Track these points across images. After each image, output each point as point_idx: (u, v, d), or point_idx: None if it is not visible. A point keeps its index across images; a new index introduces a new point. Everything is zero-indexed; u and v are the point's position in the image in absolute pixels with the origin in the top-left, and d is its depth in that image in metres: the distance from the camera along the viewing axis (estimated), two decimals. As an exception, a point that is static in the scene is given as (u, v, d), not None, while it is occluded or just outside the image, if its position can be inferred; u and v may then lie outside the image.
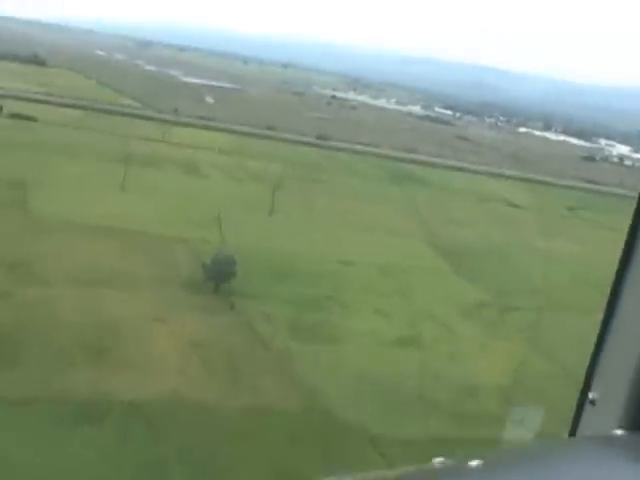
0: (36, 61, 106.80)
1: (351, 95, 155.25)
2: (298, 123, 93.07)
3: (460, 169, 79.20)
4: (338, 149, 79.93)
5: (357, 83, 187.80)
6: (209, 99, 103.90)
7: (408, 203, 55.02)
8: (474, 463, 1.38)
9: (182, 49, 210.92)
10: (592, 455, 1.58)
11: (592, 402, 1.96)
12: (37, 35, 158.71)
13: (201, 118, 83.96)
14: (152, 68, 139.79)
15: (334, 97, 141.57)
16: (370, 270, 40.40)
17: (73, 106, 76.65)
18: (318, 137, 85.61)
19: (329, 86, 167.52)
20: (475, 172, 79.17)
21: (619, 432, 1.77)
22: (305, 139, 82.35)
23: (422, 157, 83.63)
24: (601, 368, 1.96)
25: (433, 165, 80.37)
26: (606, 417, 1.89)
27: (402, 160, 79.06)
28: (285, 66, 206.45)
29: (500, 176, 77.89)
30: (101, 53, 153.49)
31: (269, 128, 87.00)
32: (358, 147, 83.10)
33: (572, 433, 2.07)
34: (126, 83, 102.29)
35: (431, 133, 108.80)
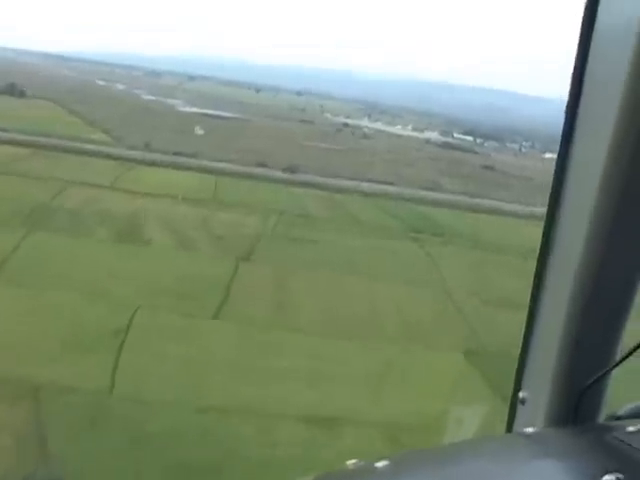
0: (12, 92, 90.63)
1: (365, 122, 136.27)
2: (298, 157, 75.44)
3: (493, 211, 61.24)
4: (342, 190, 62.51)
5: (372, 109, 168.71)
6: (199, 131, 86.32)
7: (433, 277, 35.08)
8: (380, 464, 1.32)
9: (192, 78, 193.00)
10: (505, 453, 1.44)
11: (522, 401, 1.91)
12: (34, 65, 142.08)
13: (177, 154, 66.87)
14: (151, 97, 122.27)
15: (346, 125, 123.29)
16: None
17: (21, 143, 60.03)
18: (320, 174, 68.15)
19: (342, 113, 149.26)
20: (511, 214, 61.14)
21: (530, 429, 1.62)
22: (302, 177, 64.87)
23: (445, 196, 65.42)
24: (529, 367, 1.91)
25: (459, 206, 62.36)
26: (536, 416, 1.80)
27: (422, 201, 60.95)
28: (299, 93, 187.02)
29: (541, 218, 59.19)
30: (101, 83, 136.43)
31: (260, 165, 69.61)
32: (367, 186, 65.01)
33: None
34: (108, 114, 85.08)
35: (453, 163, 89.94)
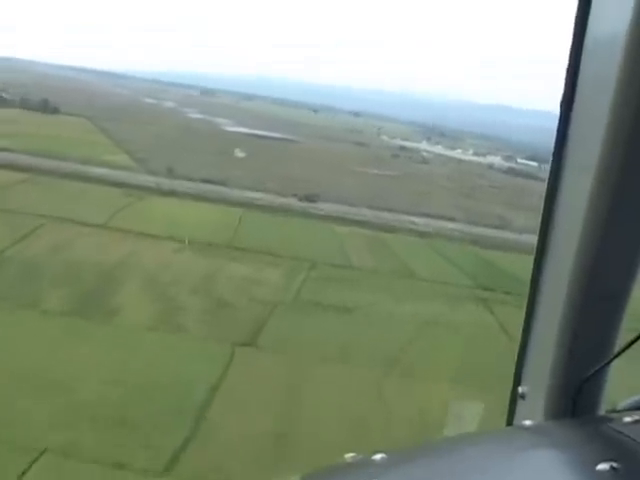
0: (44, 108, 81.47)
1: (424, 145, 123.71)
2: (347, 185, 63.87)
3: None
4: (393, 228, 50.79)
5: (431, 132, 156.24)
6: (239, 153, 75.33)
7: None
8: (378, 457, 1.28)
9: (249, 97, 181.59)
10: (502, 445, 1.42)
11: (522, 396, 1.87)
12: (82, 82, 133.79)
13: (205, 182, 55.95)
14: (198, 116, 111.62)
15: (403, 148, 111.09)
16: None
17: (20, 167, 49.71)
18: (369, 205, 56.52)
19: (400, 135, 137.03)
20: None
21: (527, 422, 1.59)
22: (347, 212, 53.26)
23: (515, 236, 52.89)
24: (528, 362, 1.86)
25: (532, 249, 49.68)
26: (536, 410, 1.76)
27: (488, 243, 49.12)
28: (357, 115, 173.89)
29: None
30: (149, 101, 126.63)
31: (300, 195, 58.17)
32: (423, 222, 53.17)
33: None
34: (141, 134, 74.97)
35: (520, 193, 77.05)
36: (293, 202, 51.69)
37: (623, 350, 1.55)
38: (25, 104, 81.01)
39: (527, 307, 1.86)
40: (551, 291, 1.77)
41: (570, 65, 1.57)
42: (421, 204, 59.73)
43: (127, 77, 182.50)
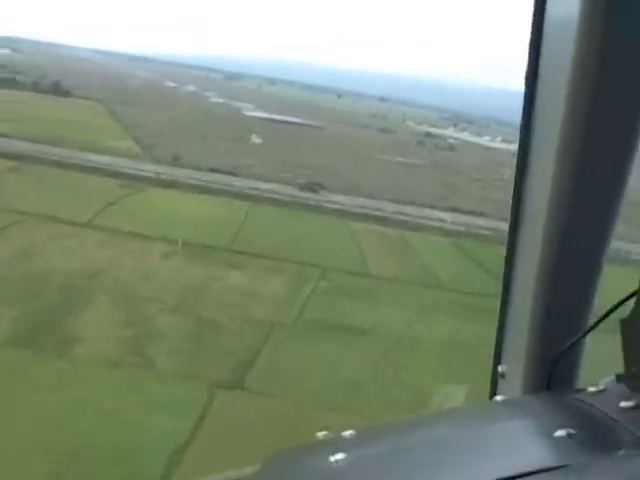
0: (56, 91, 76.59)
1: (450, 132, 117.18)
2: (367, 176, 58.44)
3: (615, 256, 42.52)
4: (417, 226, 45.03)
5: (458, 118, 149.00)
6: (256, 139, 69.93)
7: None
8: (347, 433, 1.25)
9: (273, 82, 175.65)
10: (472, 419, 1.38)
11: (502, 375, 1.84)
12: (104, 65, 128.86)
13: (213, 171, 50.35)
14: (219, 100, 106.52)
15: (428, 134, 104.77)
16: None
17: (11, 155, 44.62)
18: (390, 198, 51.04)
19: (426, 121, 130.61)
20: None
21: (499, 397, 1.58)
22: (366, 205, 47.60)
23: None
24: (506, 342, 1.84)
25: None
26: (515, 388, 1.72)
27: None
28: (382, 100, 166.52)
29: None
30: (171, 84, 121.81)
31: (315, 186, 52.67)
32: (450, 218, 47.67)
33: None
34: (154, 119, 69.89)
35: (551, 185, 71.85)
36: (306, 195, 46.26)
37: (596, 324, 1.53)
38: (37, 87, 76.47)
39: (503, 288, 1.78)
40: (524, 269, 1.69)
41: (531, 46, 1.54)
42: (448, 197, 54.15)
43: (152, 60, 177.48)
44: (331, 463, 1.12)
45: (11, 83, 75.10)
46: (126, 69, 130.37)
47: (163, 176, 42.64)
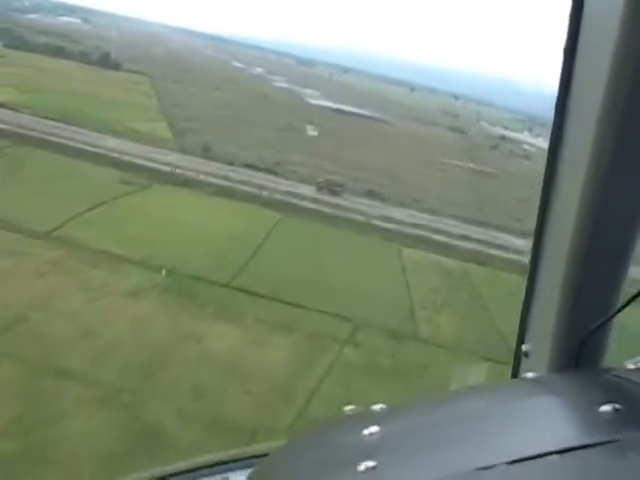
0: (104, 63, 68.67)
1: (525, 136, 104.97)
2: (432, 184, 48.64)
3: None
4: (485, 258, 34.77)
5: (533, 121, 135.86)
6: (311, 131, 60.46)
7: None
8: (377, 407, 1.19)
9: (346, 70, 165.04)
10: (501, 396, 1.31)
11: (526, 354, 1.77)
12: (174, 41, 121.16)
13: (247, 167, 40.76)
14: (283, 85, 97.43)
15: (503, 138, 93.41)
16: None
17: (5, 134, 36.27)
18: (453, 216, 41.21)
19: (500, 123, 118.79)
20: None
21: (530, 374, 1.44)
22: (423, 226, 37.43)
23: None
24: (532, 320, 1.76)
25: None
26: (540, 367, 1.65)
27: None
28: (456, 97, 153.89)
29: None
30: (238, 65, 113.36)
31: (369, 194, 42.76)
32: (526, 247, 37.70)
33: None
34: (201, 100, 61.21)
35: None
36: (354, 205, 36.67)
37: (625, 305, 1.45)
38: (86, 58, 68.91)
39: (530, 266, 1.70)
40: (553, 248, 1.62)
41: (567, 44, 1.49)
42: (525, 218, 43.72)
43: (228, 41, 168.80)
44: (365, 436, 1.06)
45: (62, 52, 67.88)
46: (195, 47, 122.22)
47: (181, 170, 33.64)
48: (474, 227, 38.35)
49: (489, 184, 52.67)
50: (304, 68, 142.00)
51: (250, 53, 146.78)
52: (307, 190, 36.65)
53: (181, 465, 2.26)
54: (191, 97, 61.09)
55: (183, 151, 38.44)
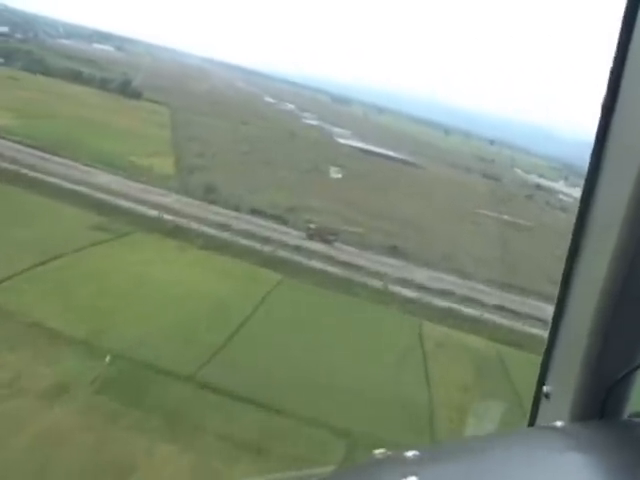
0: (123, 91, 64.27)
1: (560, 185, 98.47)
2: (463, 238, 42.87)
3: None
4: (525, 337, 28.87)
5: (568, 170, 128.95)
6: (335, 173, 55.12)
7: None
8: (410, 453, 1.15)
9: (381, 110, 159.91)
10: (533, 446, 1.29)
11: (547, 395, 1.71)
12: (208, 72, 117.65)
13: (252, 213, 35.13)
14: (313, 122, 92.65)
15: (539, 187, 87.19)
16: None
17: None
18: (488, 280, 35.38)
19: (535, 171, 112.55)
20: None
21: (559, 423, 1.44)
22: (448, 295, 31.54)
23: None
24: (555, 362, 1.70)
25: None
26: (560, 411, 1.62)
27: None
28: (491, 142, 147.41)
29: None
30: (270, 100, 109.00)
31: (391, 251, 36.93)
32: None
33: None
34: (221, 135, 56.36)
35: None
36: (370, 264, 30.98)
37: None
38: (105, 84, 64.78)
39: (556, 306, 1.65)
40: (583, 292, 1.56)
41: (605, 103, 1.43)
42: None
43: (264, 75, 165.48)
44: None
45: (81, 78, 63.80)
46: (229, 80, 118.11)
47: (171, 216, 28.32)
48: (509, 294, 32.48)
49: (525, 239, 46.62)
50: (338, 106, 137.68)
51: (285, 88, 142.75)
52: (318, 245, 31.09)
53: None
54: (211, 131, 56.31)
55: (184, 192, 33.26)
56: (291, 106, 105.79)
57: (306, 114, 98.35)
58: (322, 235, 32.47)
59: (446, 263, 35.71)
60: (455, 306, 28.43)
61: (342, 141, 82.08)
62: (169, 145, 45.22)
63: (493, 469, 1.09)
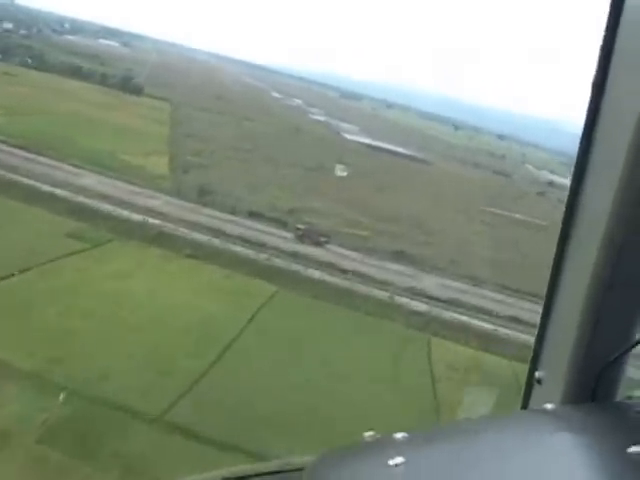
0: (124, 87, 61.52)
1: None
2: (473, 239, 40.10)
3: None
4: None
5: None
6: (340, 171, 52.34)
7: None
8: (399, 435, 1.14)
9: (390, 106, 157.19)
10: (524, 428, 1.29)
11: (539, 381, 1.68)
12: (214, 68, 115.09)
13: (250, 216, 32.20)
14: (320, 118, 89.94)
15: (551, 184, 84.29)
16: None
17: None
18: (501, 286, 32.59)
19: (546, 166, 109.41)
20: None
21: (549, 405, 1.41)
22: (459, 306, 28.83)
23: None
24: (547, 347, 1.68)
25: None
26: (552, 396, 1.57)
27: None
28: (501, 137, 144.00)
29: None
30: (277, 95, 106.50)
31: (397, 256, 34.13)
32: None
33: None
34: (222, 132, 53.67)
35: None
36: (374, 272, 28.25)
37: None
38: (105, 80, 62.11)
39: (547, 292, 1.61)
40: (573, 277, 1.55)
41: (598, 73, 1.42)
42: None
43: (273, 71, 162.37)
44: (391, 467, 1.04)
45: (80, 73, 61.08)
46: (236, 76, 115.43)
47: (158, 220, 25.71)
48: (524, 302, 29.67)
49: (538, 239, 43.46)
50: (347, 101, 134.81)
51: (293, 84, 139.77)
52: (318, 251, 28.43)
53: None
54: (213, 127, 53.67)
55: (176, 193, 30.64)
56: (298, 101, 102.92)
57: (313, 110, 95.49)
58: (312, 237, 29.82)
59: (456, 268, 33.01)
60: (465, 319, 25.72)
61: (349, 137, 79.24)
62: (164, 143, 42.59)
63: (483, 450, 1.07)
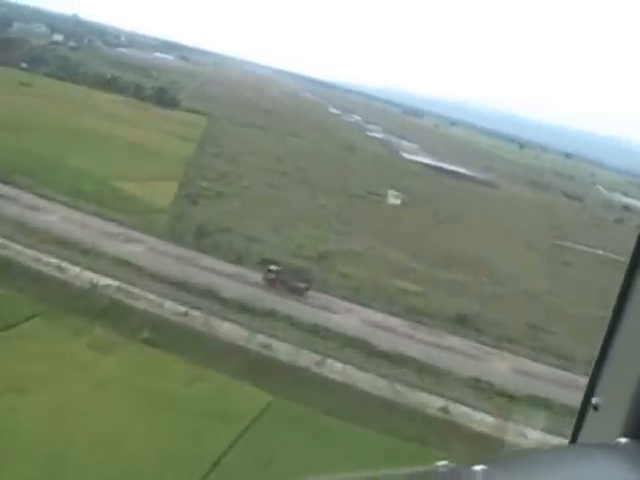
0: (159, 100, 53.62)
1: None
2: (550, 289, 30.69)
3: None
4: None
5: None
6: (393, 199, 43.12)
7: None
8: (478, 468, 1.09)
9: (454, 123, 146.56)
10: (595, 463, 1.23)
11: (595, 407, 1.57)
12: (271, 82, 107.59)
13: (263, 264, 22.99)
14: (378, 135, 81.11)
15: (627, 208, 73.30)
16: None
17: None
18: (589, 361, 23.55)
19: (617, 188, 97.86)
20: None
21: (622, 440, 1.37)
22: (541, 401, 19.90)
23: None
24: (605, 373, 1.58)
25: None
26: (609, 424, 1.49)
27: None
28: (568, 156, 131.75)
29: None
30: (334, 111, 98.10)
31: (457, 323, 25.25)
32: None
33: (574, 438, 1.65)
34: (261, 151, 45.55)
35: None
36: (422, 358, 19.36)
37: None
38: (139, 93, 54.64)
39: (612, 315, 1.51)
40: (637, 305, 1.46)
41: None
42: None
43: (334, 86, 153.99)
44: None
45: (112, 85, 53.65)
46: (293, 91, 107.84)
47: (117, 282, 17.52)
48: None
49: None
50: (408, 118, 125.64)
51: (353, 99, 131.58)
52: (349, 320, 19.66)
53: None
54: (249, 145, 45.61)
55: (169, 234, 22.44)
56: (357, 117, 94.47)
57: (371, 126, 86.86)
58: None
59: (534, 340, 23.76)
60: (557, 439, 16.53)
61: (407, 156, 70.35)
62: (182, 164, 34.62)
63: None
